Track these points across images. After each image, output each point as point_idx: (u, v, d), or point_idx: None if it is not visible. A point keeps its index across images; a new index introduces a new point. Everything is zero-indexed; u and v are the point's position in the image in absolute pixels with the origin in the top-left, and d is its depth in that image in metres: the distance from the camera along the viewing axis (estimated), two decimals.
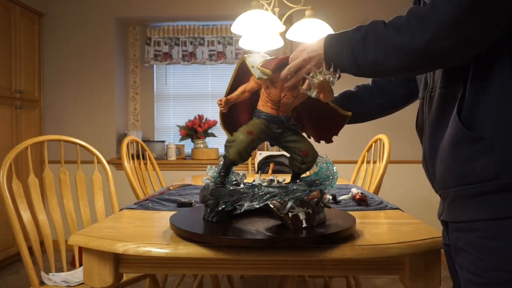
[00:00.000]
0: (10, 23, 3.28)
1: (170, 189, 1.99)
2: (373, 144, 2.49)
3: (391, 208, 1.53)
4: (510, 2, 0.71)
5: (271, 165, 2.66)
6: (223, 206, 1.06)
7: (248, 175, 3.01)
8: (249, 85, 1.10)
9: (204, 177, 1.18)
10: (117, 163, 3.73)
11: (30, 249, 1.60)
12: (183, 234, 1.06)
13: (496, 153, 0.75)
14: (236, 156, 1.06)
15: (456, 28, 0.73)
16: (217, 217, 1.12)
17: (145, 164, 2.59)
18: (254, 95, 1.13)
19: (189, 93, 4.11)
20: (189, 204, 1.57)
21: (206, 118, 3.90)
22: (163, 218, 1.37)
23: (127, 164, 2.27)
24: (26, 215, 1.64)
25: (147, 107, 4.10)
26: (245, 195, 1.03)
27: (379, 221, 1.34)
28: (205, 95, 4.11)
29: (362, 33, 0.85)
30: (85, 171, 2.02)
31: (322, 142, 1.18)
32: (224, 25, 3.91)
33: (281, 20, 2.23)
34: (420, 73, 0.97)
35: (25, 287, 2.83)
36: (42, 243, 1.72)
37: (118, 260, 1.11)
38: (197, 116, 3.87)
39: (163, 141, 3.91)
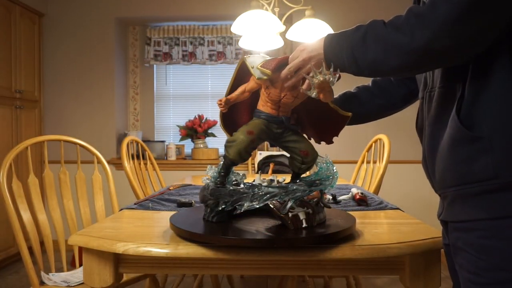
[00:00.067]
0: (10, 23, 3.28)
1: (170, 189, 1.99)
2: (373, 144, 2.49)
3: (391, 208, 1.53)
4: (509, 1, 0.71)
5: (271, 165, 2.66)
6: (223, 206, 1.06)
7: (248, 175, 3.01)
8: (249, 85, 1.10)
9: (204, 177, 1.18)
10: (117, 163, 3.73)
11: (30, 249, 1.60)
12: (183, 234, 1.06)
13: (495, 152, 0.75)
14: (236, 156, 1.06)
15: (456, 27, 0.73)
16: (217, 217, 1.12)
17: (145, 164, 2.59)
18: (254, 95, 1.13)
19: (189, 93, 4.11)
20: (189, 204, 1.57)
21: (206, 118, 3.90)
22: (163, 218, 1.37)
23: (127, 164, 2.27)
24: (26, 215, 1.64)
25: (147, 107, 4.10)
26: (245, 195, 1.03)
27: (379, 221, 1.34)
28: (205, 95, 4.11)
29: (361, 32, 0.85)
30: (85, 171, 2.02)
31: (322, 142, 1.18)
32: (224, 25, 3.91)
33: (281, 20, 2.23)
34: (420, 73, 0.97)
35: (25, 287, 2.83)
36: (42, 243, 1.72)
37: (118, 260, 1.11)
38: (197, 116, 3.87)
39: (163, 141, 3.91)
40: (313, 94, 0.96)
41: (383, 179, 2.21)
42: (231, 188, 1.07)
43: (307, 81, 0.96)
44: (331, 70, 0.91)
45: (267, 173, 3.10)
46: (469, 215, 0.80)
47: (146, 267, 1.13)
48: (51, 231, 1.75)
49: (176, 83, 4.12)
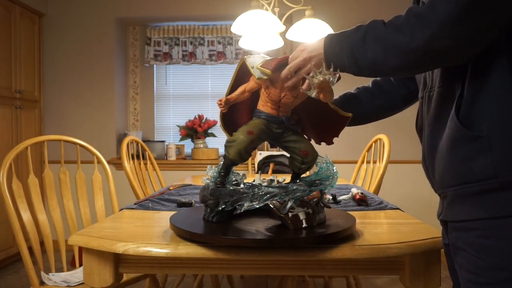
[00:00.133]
0: (10, 23, 3.28)
1: (170, 189, 1.99)
2: (373, 144, 2.49)
3: (391, 208, 1.53)
4: (509, 1, 0.71)
5: (271, 165, 2.66)
6: (223, 206, 1.06)
7: (248, 175, 3.01)
8: (249, 85, 1.10)
9: (204, 177, 1.18)
10: (117, 163, 3.73)
11: (30, 249, 1.60)
12: (183, 234, 1.06)
13: (494, 151, 0.75)
14: (236, 156, 1.06)
15: (456, 27, 0.73)
16: (217, 217, 1.12)
17: (145, 164, 2.59)
18: (254, 95, 1.13)
19: (189, 93, 4.11)
20: (189, 204, 1.57)
21: (206, 118, 3.90)
22: (163, 218, 1.37)
23: (127, 164, 2.27)
24: (26, 215, 1.64)
25: (147, 107, 4.10)
26: (245, 195, 1.03)
27: (379, 221, 1.34)
28: (205, 95, 4.11)
29: (361, 32, 0.86)
30: (85, 171, 2.02)
31: (323, 142, 1.18)
32: (224, 25, 3.91)
33: (281, 20, 2.23)
34: (420, 73, 0.98)
35: (25, 287, 2.83)
36: (42, 243, 1.72)
37: (118, 260, 1.11)
38: (197, 116, 3.87)
39: (163, 141, 3.91)
40: (313, 94, 0.96)
41: (383, 179, 2.21)
42: (231, 188, 1.07)
43: (307, 81, 0.96)
44: (331, 70, 0.91)
45: (267, 173, 3.10)
46: (468, 215, 0.80)
47: (146, 267, 1.13)
48: (51, 231, 1.76)
49: (176, 83, 4.12)
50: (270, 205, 1.08)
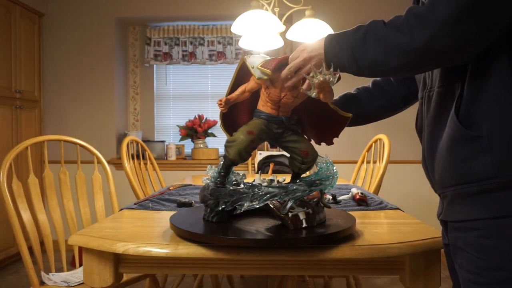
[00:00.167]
0: (10, 23, 3.28)
1: (170, 189, 1.99)
2: (373, 144, 2.49)
3: (391, 208, 1.53)
4: (508, 1, 0.71)
5: (271, 165, 2.66)
6: (223, 206, 1.06)
7: (248, 175, 3.01)
8: (249, 85, 1.10)
9: (204, 177, 1.18)
10: (117, 163, 3.73)
11: (30, 249, 1.60)
12: (183, 234, 1.06)
13: (494, 151, 0.75)
14: (236, 156, 1.06)
15: (456, 27, 0.73)
16: (217, 217, 1.12)
17: (145, 164, 2.59)
18: (254, 95, 1.13)
19: (189, 93, 4.11)
20: (189, 204, 1.57)
21: (206, 118, 3.90)
22: (163, 218, 1.37)
23: (127, 164, 2.27)
24: (26, 215, 1.64)
25: (147, 107, 4.10)
26: (245, 195, 1.03)
27: (379, 221, 1.34)
28: (205, 95, 4.11)
29: (361, 32, 0.86)
30: (85, 171, 2.02)
31: (323, 143, 1.18)
32: (224, 25, 3.91)
33: (281, 20, 2.23)
34: (420, 73, 0.98)
35: (25, 287, 2.83)
36: (42, 243, 1.72)
37: (118, 260, 1.11)
38: (197, 116, 3.87)
39: (163, 141, 3.91)
40: (313, 94, 0.96)
41: (383, 179, 2.21)
42: (231, 188, 1.07)
43: (307, 81, 0.96)
44: (331, 70, 0.91)
45: (267, 173, 3.10)
46: (468, 215, 0.80)
47: (146, 267, 1.13)
48: (51, 231, 1.76)
49: (176, 83, 4.12)
50: (270, 205, 1.08)
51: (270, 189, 1.03)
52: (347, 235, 1.08)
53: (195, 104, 4.10)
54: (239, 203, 1.03)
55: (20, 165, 3.23)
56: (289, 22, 2.88)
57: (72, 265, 2.34)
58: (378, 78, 1.25)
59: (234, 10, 3.52)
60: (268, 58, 1.05)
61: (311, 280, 2.43)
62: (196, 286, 2.53)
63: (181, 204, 1.57)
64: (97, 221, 1.51)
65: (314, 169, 1.17)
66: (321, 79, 0.92)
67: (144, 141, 3.84)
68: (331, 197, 1.66)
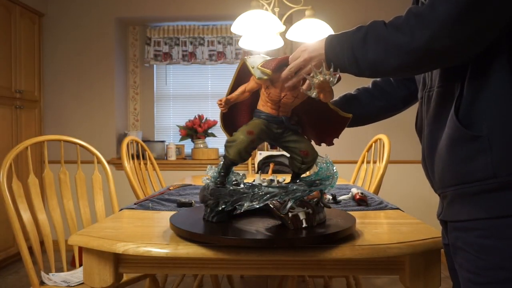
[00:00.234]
0: (10, 23, 3.28)
1: (170, 189, 1.99)
2: (373, 144, 2.49)
3: (391, 208, 1.53)
4: (508, 1, 0.71)
5: (271, 165, 2.66)
6: (223, 206, 1.06)
7: (248, 175, 3.01)
8: (249, 85, 1.10)
9: (204, 177, 1.18)
10: (117, 163, 3.73)
11: (30, 249, 1.60)
12: (183, 234, 1.06)
13: (494, 151, 0.75)
14: (236, 156, 1.06)
15: (456, 27, 0.73)
16: (217, 217, 1.12)
17: (145, 164, 2.59)
18: (254, 95, 1.13)
19: (189, 93, 4.11)
20: (189, 204, 1.57)
21: (206, 118, 3.90)
22: (163, 218, 1.37)
23: (127, 164, 2.27)
24: (26, 215, 1.64)
25: (147, 107, 4.10)
26: (245, 195, 1.03)
27: (379, 221, 1.34)
28: (205, 95, 4.11)
29: (362, 33, 0.86)
30: (85, 171, 2.02)
31: (323, 143, 1.18)
32: (224, 25, 3.91)
33: (281, 20, 2.23)
34: (420, 73, 0.98)
35: (25, 287, 2.83)
36: (42, 243, 1.72)
37: (118, 260, 1.11)
38: (197, 116, 3.87)
39: (163, 141, 3.91)
40: (313, 94, 0.96)
41: (383, 179, 2.21)
42: (231, 188, 1.07)
43: (307, 81, 0.96)
44: (331, 70, 0.91)
45: (267, 173, 3.10)
46: (468, 215, 0.81)
47: (146, 267, 1.13)
48: (51, 231, 1.76)
49: (176, 83, 4.12)
50: (270, 205, 1.08)
51: (270, 189, 1.03)
52: (347, 235, 1.08)
53: (195, 104, 4.10)
54: (239, 203, 1.03)
55: (20, 165, 3.23)
56: (289, 22, 2.88)
57: (72, 265, 2.34)
58: (378, 79, 1.25)
59: (234, 10, 3.52)
60: (268, 58, 1.06)
61: (311, 280, 2.44)
62: (196, 286, 2.53)
63: (181, 204, 1.57)
64: (97, 221, 1.51)
65: (314, 169, 1.17)
66: (321, 79, 0.92)
67: (144, 141, 3.84)
68: (331, 197, 1.66)
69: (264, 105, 1.09)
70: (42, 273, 1.65)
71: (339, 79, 0.94)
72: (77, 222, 1.86)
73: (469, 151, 0.78)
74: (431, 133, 0.89)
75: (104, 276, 1.10)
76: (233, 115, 1.18)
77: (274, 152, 3.38)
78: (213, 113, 4.04)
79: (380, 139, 2.38)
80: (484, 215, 0.77)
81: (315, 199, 1.11)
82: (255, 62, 1.05)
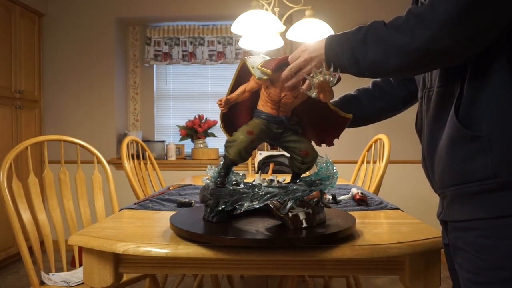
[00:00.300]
0: (10, 23, 3.28)
1: (170, 189, 1.99)
2: (373, 144, 2.49)
3: (391, 208, 1.53)
4: (508, 1, 0.71)
5: (271, 165, 2.66)
6: (223, 206, 1.06)
7: (248, 175, 3.01)
8: (249, 85, 1.10)
9: (204, 177, 1.18)
10: (117, 163, 3.73)
11: (30, 249, 1.60)
12: (183, 234, 1.06)
13: (494, 151, 0.75)
14: (236, 156, 1.06)
15: (456, 27, 0.73)
16: (217, 217, 1.12)
17: (145, 164, 2.59)
18: (254, 96, 1.13)
19: (189, 93, 4.11)
20: (189, 204, 1.57)
21: (206, 118, 3.90)
22: (163, 218, 1.37)
23: (127, 164, 2.27)
24: (26, 215, 1.64)
25: (147, 107, 4.10)
26: (245, 195, 1.03)
27: (379, 221, 1.34)
28: (205, 95, 4.11)
29: (362, 33, 0.86)
30: (85, 171, 2.02)
31: (323, 143, 1.18)
32: (224, 25, 3.91)
33: (281, 20, 2.23)
34: (420, 73, 0.98)
35: (25, 287, 2.83)
36: (42, 243, 1.72)
37: (118, 260, 1.11)
38: (197, 116, 3.87)
39: (163, 141, 3.91)
40: (313, 94, 0.96)
41: (383, 179, 2.21)
42: (231, 188, 1.07)
43: (307, 81, 0.96)
44: (331, 70, 0.91)
45: (267, 173, 3.10)
46: (468, 215, 0.81)
47: (146, 267, 1.13)
48: (51, 231, 1.76)
49: (176, 83, 4.12)
50: (270, 205, 1.08)
51: (270, 189, 1.03)
52: (347, 235, 1.08)
53: (195, 104, 4.10)
54: (239, 203, 1.03)
55: (20, 165, 3.23)
56: (289, 22, 2.88)
57: (72, 265, 2.34)
58: (378, 79, 1.25)
59: (234, 10, 3.52)
60: (268, 58, 1.06)
61: (311, 280, 2.44)
62: (196, 286, 2.53)
63: (181, 204, 1.57)
64: (97, 221, 1.51)
65: (314, 169, 1.17)
66: (321, 79, 0.92)
67: (144, 141, 3.84)
68: (331, 197, 1.66)
69: (264, 105, 1.09)
70: (42, 273, 1.65)
71: (339, 79, 0.94)
72: (77, 222, 1.86)
73: (469, 151, 0.78)
74: (431, 133, 0.89)
75: (104, 276, 1.10)
76: (233, 115, 1.18)
77: (274, 152, 3.38)
78: (213, 113, 4.04)
79: (380, 139, 2.38)
80: (484, 215, 0.77)
81: (315, 199, 1.11)
82: (255, 62, 1.05)
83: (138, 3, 3.74)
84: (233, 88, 1.12)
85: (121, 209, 1.55)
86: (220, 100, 1.10)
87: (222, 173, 1.10)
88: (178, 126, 3.95)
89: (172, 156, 3.82)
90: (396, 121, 1.78)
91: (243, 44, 2.40)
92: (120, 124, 3.92)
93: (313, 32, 2.25)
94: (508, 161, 0.74)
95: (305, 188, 1.05)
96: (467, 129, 0.78)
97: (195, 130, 3.81)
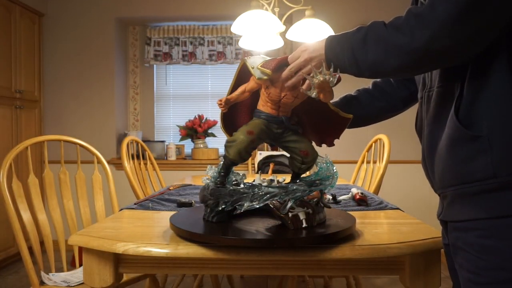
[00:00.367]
0: (10, 23, 3.28)
1: (170, 189, 1.99)
2: (373, 144, 2.49)
3: (391, 208, 1.53)
4: (508, 1, 0.71)
5: (271, 165, 2.66)
6: (223, 206, 1.06)
7: (248, 175, 3.01)
8: (249, 85, 1.10)
9: (204, 177, 1.18)
10: (117, 163, 3.73)
11: (30, 249, 1.60)
12: (183, 234, 1.06)
13: (494, 151, 0.75)
14: (236, 156, 1.06)
15: (456, 27, 0.73)
16: (217, 217, 1.12)
17: (145, 164, 2.59)
18: (254, 96, 1.13)
19: (189, 93, 4.11)
20: (189, 204, 1.57)
21: (206, 118, 3.90)
22: (163, 218, 1.37)
23: (127, 164, 2.27)
24: (26, 215, 1.64)
25: (147, 107, 4.10)
26: (245, 195, 1.03)
27: (379, 221, 1.34)
28: (205, 95, 4.11)
29: (362, 33, 0.86)
30: (85, 171, 2.02)
31: (324, 144, 1.18)
32: (224, 25, 3.91)
33: (281, 20, 2.23)
34: (420, 73, 0.98)
35: (25, 287, 2.83)
36: (42, 243, 1.72)
37: (118, 260, 1.11)
38: (197, 116, 3.87)
39: (163, 141, 3.91)
40: (313, 94, 0.96)
41: (383, 179, 2.21)
42: (231, 188, 1.07)
43: (307, 81, 0.96)
44: (331, 70, 0.91)
45: (267, 173, 3.10)
46: (468, 215, 0.80)
47: (146, 267, 1.13)
48: (51, 231, 1.76)
49: (176, 83, 4.12)
50: (270, 205, 1.08)
51: (270, 189, 1.03)
52: (347, 235, 1.08)
53: (195, 104, 4.10)
54: (239, 203, 1.03)
55: (20, 165, 3.23)
56: (289, 22, 2.88)
57: (72, 265, 2.34)
58: (378, 80, 1.25)
59: (234, 10, 3.52)
60: (268, 58, 1.06)
61: (311, 280, 2.44)
62: (196, 286, 2.53)
63: (181, 204, 1.57)
64: (97, 221, 1.51)
65: (314, 169, 1.17)
66: (321, 79, 0.92)
67: (144, 141, 3.84)
68: (331, 197, 1.66)
69: (264, 105, 1.09)
70: (42, 273, 1.65)
71: (339, 79, 0.94)
72: (77, 222, 1.86)
73: (469, 151, 0.78)
74: (431, 133, 0.89)
75: (104, 276, 1.10)
76: (233, 115, 1.18)
77: (274, 152, 3.38)
78: (213, 113, 4.04)
79: (380, 139, 2.38)
80: (484, 215, 0.77)
81: (315, 199, 1.11)
82: (255, 62, 1.05)
83: (138, 3, 3.74)
84: (234, 89, 1.12)
85: (121, 209, 1.55)
86: (220, 100, 1.10)
87: (222, 173, 1.10)
88: (178, 126, 3.95)
89: (172, 156, 3.82)
90: (396, 121, 1.78)
91: (243, 44, 2.40)
92: (120, 124, 3.92)
93: (313, 32, 2.25)
94: (508, 161, 0.74)
95: (305, 188, 1.05)
96: (467, 129, 0.78)
97: (195, 130, 3.81)
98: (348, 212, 1.31)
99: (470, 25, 0.73)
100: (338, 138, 1.14)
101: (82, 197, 1.92)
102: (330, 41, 0.92)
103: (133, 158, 2.44)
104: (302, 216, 1.06)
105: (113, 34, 3.77)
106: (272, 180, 1.45)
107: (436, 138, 0.87)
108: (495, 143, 0.75)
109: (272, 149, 1.22)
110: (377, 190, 2.21)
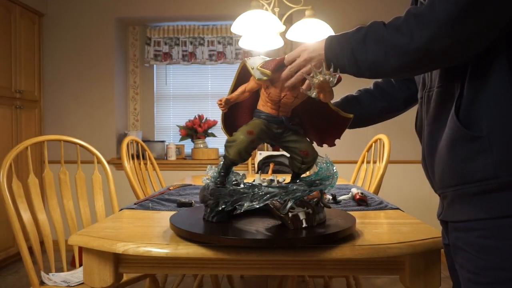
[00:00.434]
0: (10, 23, 3.28)
1: (170, 189, 1.99)
2: (373, 144, 2.49)
3: (391, 208, 1.53)
4: (508, 1, 0.71)
5: (271, 165, 2.66)
6: (223, 206, 1.06)
7: (248, 175, 3.01)
8: (249, 85, 1.10)
9: (204, 177, 1.18)
10: (117, 163, 3.73)
11: (30, 249, 1.60)
12: (183, 234, 1.06)
13: (494, 152, 0.75)
14: (236, 156, 1.06)
15: (455, 27, 0.73)
16: (217, 217, 1.12)
17: (145, 164, 2.59)
18: (255, 96, 1.13)
19: (189, 93, 4.11)
20: (189, 204, 1.57)
21: (206, 118, 3.91)
22: (163, 218, 1.37)
23: (127, 164, 2.27)
24: (26, 215, 1.64)
25: (147, 107, 4.10)
26: (245, 195, 1.03)
27: (379, 221, 1.34)
28: (205, 95, 4.11)
29: (362, 34, 0.86)
30: (85, 171, 2.02)
31: (324, 144, 1.18)
32: (224, 25, 3.91)
33: (281, 20, 2.23)
34: (420, 73, 0.98)
35: (25, 287, 2.83)
36: (42, 243, 1.72)
37: (118, 260, 1.11)
38: (197, 116, 3.87)
39: (163, 141, 3.91)
40: (313, 94, 0.96)
41: (383, 179, 2.21)
42: (231, 188, 1.07)
43: (307, 81, 0.96)
44: (331, 70, 0.91)
45: (267, 173, 3.10)
46: (468, 215, 0.80)
47: (146, 267, 1.13)
48: (51, 231, 1.76)
49: (176, 83, 4.12)
50: (270, 205, 1.08)
51: (270, 189, 1.03)
52: (347, 235, 1.08)
53: (195, 104, 4.10)
54: (239, 203, 1.03)
55: (20, 165, 3.23)
56: (289, 22, 2.88)
57: (72, 265, 2.34)
58: (379, 80, 1.25)
59: (234, 10, 3.52)
60: (268, 59, 1.06)
61: (311, 280, 2.44)
62: (196, 286, 2.53)
63: (181, 204, 1.57)
64: (97, 221, 1.51)
65: (314, 169, 1.17)
66: (321, 79, 0.92)
67: (144, 141, 3.84)
68: (331, 197, 1.66)
69: (264, 105, 1.09)
70: (42, 273, 1.65)
71: (339, 79, 0.94)
72: (77, 222, 1.86)
73: (469, 151, 0.78)
74: (431, 133, 0.89)
75: (104, 276, 1.10)
76: (233, 115, 1.18)
77: (274, 152, 3.38)
78: (213, 113, 4.04)
79: (380, 139, 2.38)
80: (484, 216, 0.77)
81: (315, 199, 1.11)
82: (255, 63, 1.05)
83: (138, 3, 3.74)
84: (234, 90, 1.12)
85: (121, 209, 1.55)
86: (220, 100, 1.10)
87: (222, 173, 1.11)
88: (178, 126, 3.95)
89: (172, 156, 3.83)
90: (396, 121, 1.77)
91: (243, 44, 2.40)
92: (120, 124, 3.92)
93: (313, 32, 2.25)
94: (509, 161, 0.74)
95: (305, 188, 1.05)
96: (467, 129, 0.78)
97: (195, 130, 3.81)
98: (348, 212, 1.31)
99: (470, 25, 0.73)
100: (339, 138, 1.14)
101: (82, 197, 1.92)
102: (330, 41, 0.92)
103: (133, 158, 2.44)
104: (302, 216, 1.06)
105: (113, 34, 3.77)
106: (272, 180, 1.45)
107: (436, 138, 0.87)
108: (495, 143, 0.75)
109: (274, 150, 1.22)
110: (377, 190, 2.21)
